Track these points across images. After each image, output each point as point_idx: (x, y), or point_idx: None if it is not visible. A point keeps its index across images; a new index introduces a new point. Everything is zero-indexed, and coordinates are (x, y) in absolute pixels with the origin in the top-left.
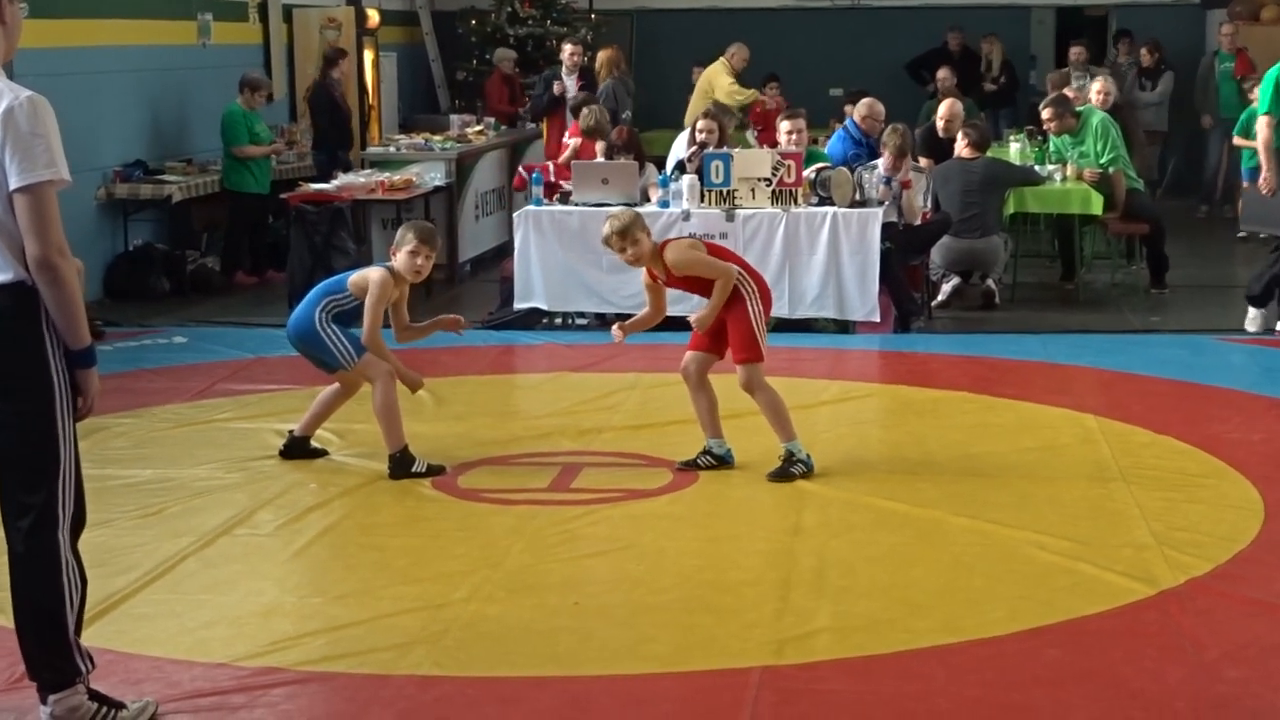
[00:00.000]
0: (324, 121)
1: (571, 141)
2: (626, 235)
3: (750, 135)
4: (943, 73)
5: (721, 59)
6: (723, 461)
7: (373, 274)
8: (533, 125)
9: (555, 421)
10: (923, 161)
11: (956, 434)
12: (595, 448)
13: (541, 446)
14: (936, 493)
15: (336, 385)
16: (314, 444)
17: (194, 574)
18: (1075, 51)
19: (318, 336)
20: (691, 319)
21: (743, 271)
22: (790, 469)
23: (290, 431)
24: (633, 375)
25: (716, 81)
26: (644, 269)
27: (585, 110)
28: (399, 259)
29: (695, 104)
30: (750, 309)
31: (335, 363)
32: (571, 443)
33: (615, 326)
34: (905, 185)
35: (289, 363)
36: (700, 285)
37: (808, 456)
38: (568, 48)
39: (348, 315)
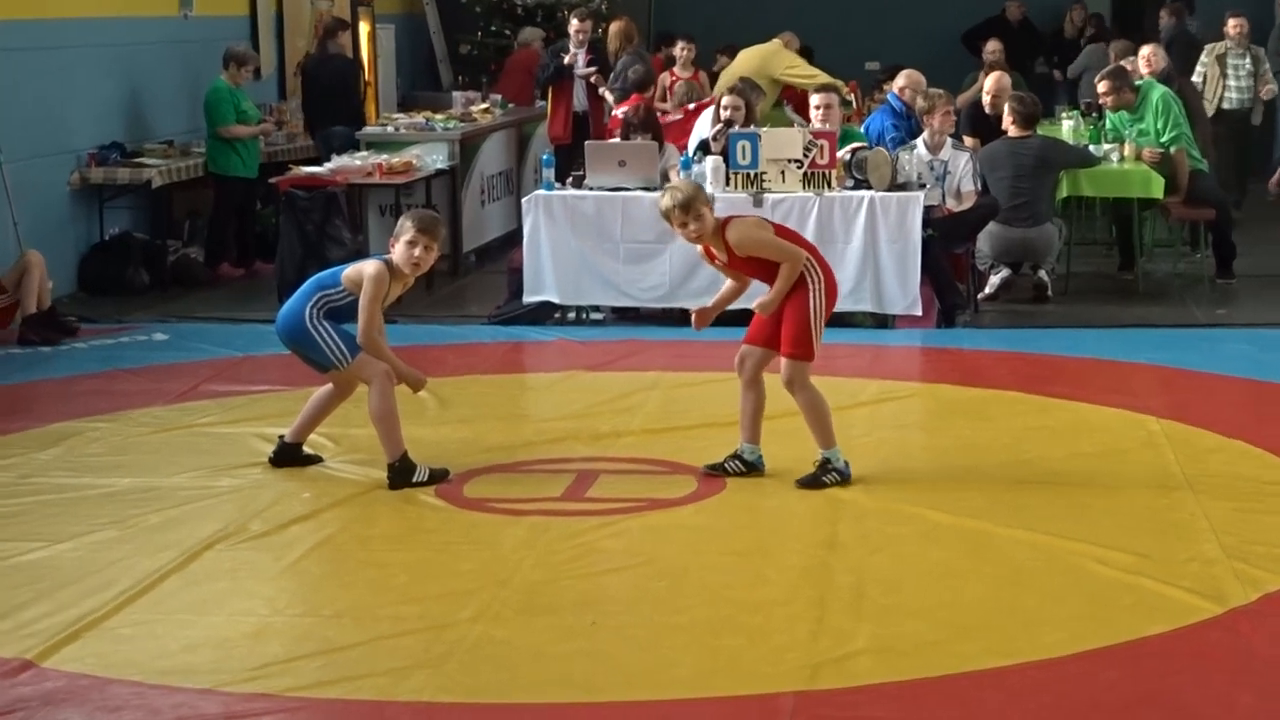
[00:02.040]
0: (337, 96)
1: (621, 112)
2: (689, 209)
3: (789, 111)
4: (992, 44)
5: (776, 40)
6: (752, 468)
7: (368, 267)
8: (541, 103)
9: (569, 425)
10: (967, 141)
11: (1006, 438)
12: (613, 453)
13: (554, 452)
14: (985, 502)
15: (330, 387)
16: (306, 450)
17: (176, 592)
18: (1235, 24)
19: (308, 334)
20: (754, 305)
21: (811, 258)
22: (823, 477)
23: (280, 437)
24: (654, 374)
25: (774, 62)
26: (701, 247)
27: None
28: (397, 250)
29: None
30: (811, 301)
31: (327, 362)
32: (587, 448)
33: (694, 313)
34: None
35: (279, 362)
36: (763, 269)
37: (845, 465)
38: (575, 22)
39: (342, 311)
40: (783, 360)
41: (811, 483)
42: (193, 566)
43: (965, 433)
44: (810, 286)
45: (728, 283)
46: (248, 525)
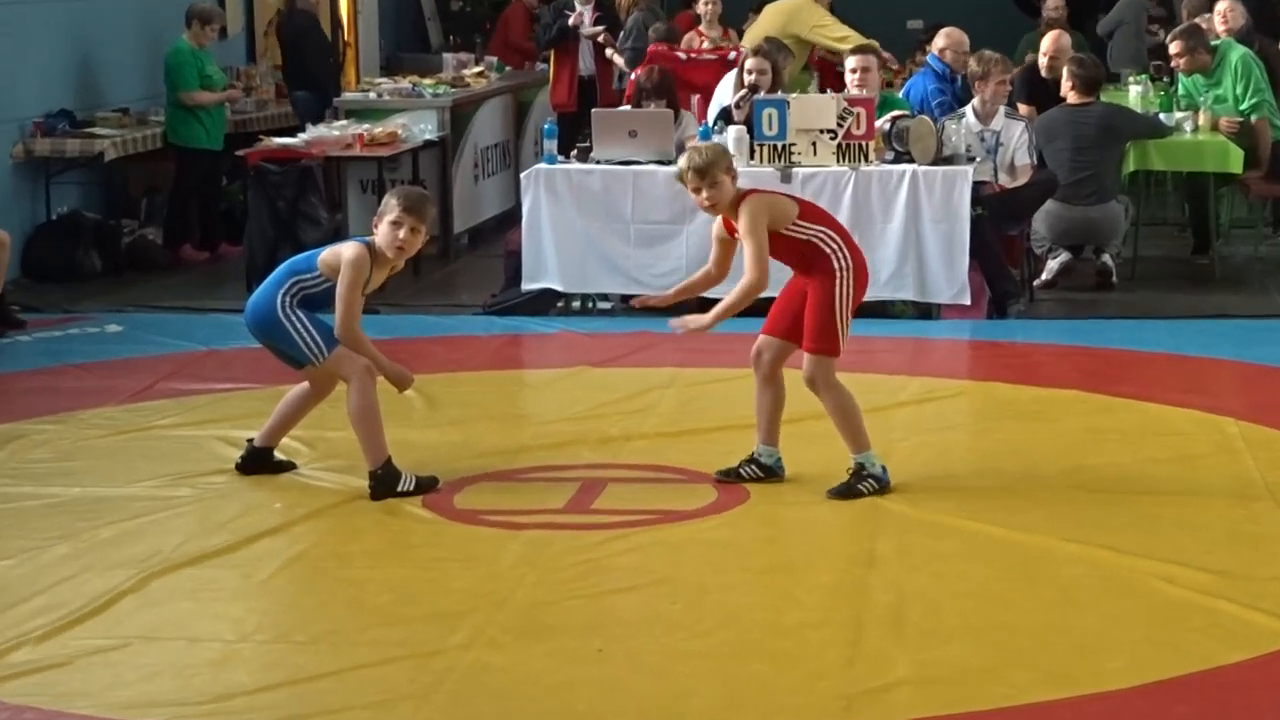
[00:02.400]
0: (310, 58)
1: (635, 75)
2: (706, 174)
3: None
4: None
5: None
6: (770, 474)
7: (346, 250)
8: (543, 65)
9: (573, 427)
10: (1022, 109)
11: (1065, 442)
12: (623, 459)
13: (556, 458)
14: (1041, 513)
15: (306, 385)
16: (278, 456)
17: (132, 614)
18: None
19: (280, 324)
20: (671, 322)
21: (839, 240)
22: (858, 485)
23: (249, 440)
24: (669, 371)
25: (800, 19)
26: (719, 219)
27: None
28: (379, 231)
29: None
30: (837, 289)
31: (301, 356)
32: (593, 453)
33: (644, 299)
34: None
35: (247, 356)
36: (790, 254)
37: (883, 470)
38: None
39: (318, 299)
40: (805, 356)
41: (846, 492)
42: (151, 586)
43: (1018, 436)
44: (836, 274)
45: (706, 265)
46: (212, 539)
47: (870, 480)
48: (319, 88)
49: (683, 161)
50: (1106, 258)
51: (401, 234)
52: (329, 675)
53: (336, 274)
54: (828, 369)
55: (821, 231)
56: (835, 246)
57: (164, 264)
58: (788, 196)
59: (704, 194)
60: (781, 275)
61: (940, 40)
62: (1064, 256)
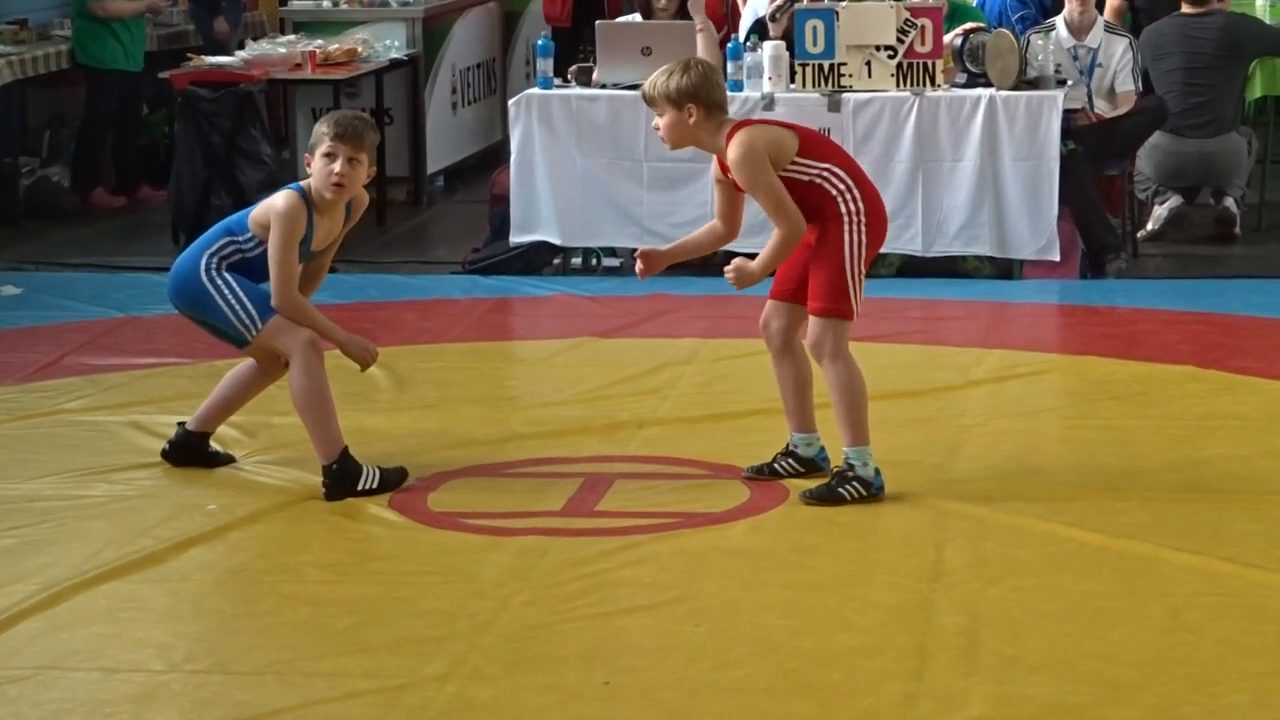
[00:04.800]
0: None
1: None
2: (654, 104)
3: None
4: None
5: None
6: (812, 467)
7: (277, 200)
8: None
9: (574, 411)
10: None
11: (1176, 429)
12: (633, 451)
13: (553, 449)
14: (1146, 516)
15: (250, 363)
16: (213, 446)
17: (36, 639)
18: None
19: (204, 292)
20: (726, 271)
21: (847, 178)
22: (840, 488)
23: (180, 424)
24: (690, 342)
25: None
26: (715, 159)
27: None
28: (312, 168)
29: None
30: (848, 238)
31: (231, 330)
32: (598, 443)
33: (640, 252)
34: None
35: (174, 324)
36: (798, 197)
37: (875, 474)
38: None
39: (254, 265)
40: (810, 319)
41: (825, 496)
42: (59, 607)
43: (1119, 421)
44: (845, 219)
45: (710, 223)
46: (132, 548)
47: (856, 484)
48: None
49: (646, 84)
50: (1229, 202)
51: (337, 166)
52: (277, 713)
53: (268, 231)
54: (838, 335)
55: (825, 169)
56: (842, 187)
57: (71, 211)
58: (783, 126)
59: (656, 123)
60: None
61: None
62: (1174, 202)
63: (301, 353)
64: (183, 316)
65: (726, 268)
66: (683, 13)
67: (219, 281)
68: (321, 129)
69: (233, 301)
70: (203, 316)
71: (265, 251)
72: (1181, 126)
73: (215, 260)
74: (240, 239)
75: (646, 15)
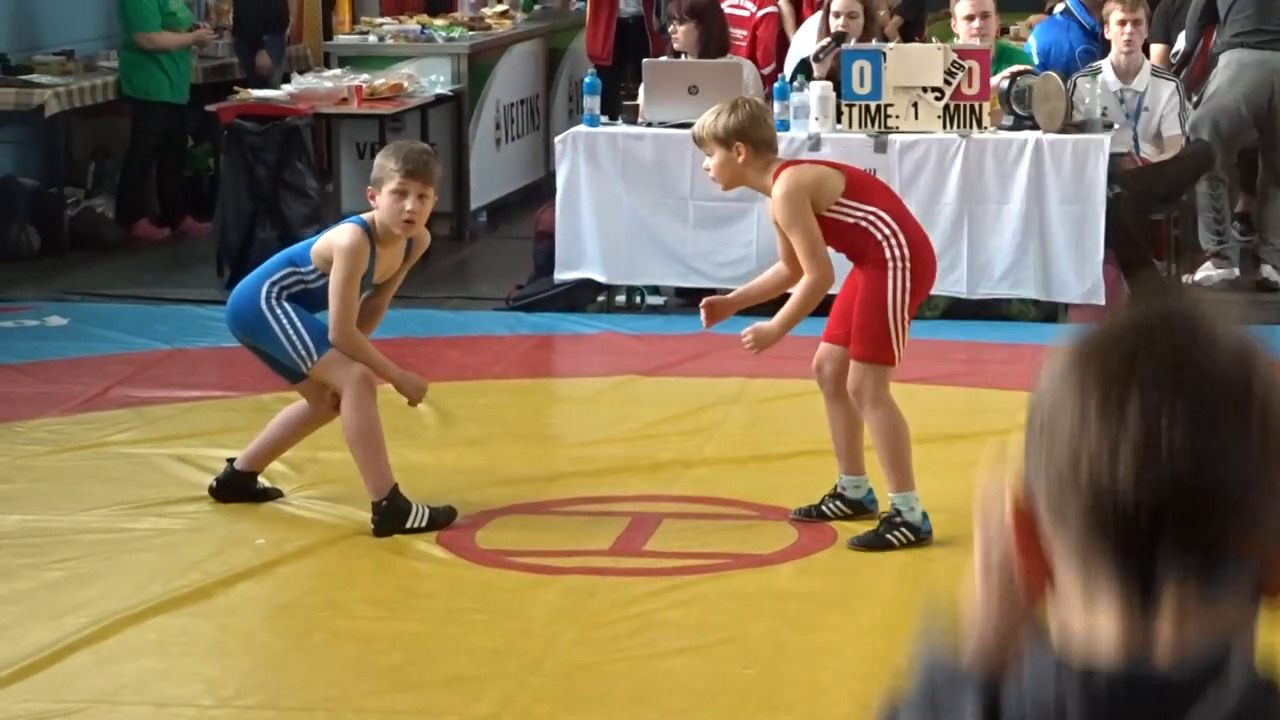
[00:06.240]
0: None
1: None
2: (702, 144)
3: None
4: None
5: None
6: (860, 509)
7: (340, 236)
8: (580, 4)
9: (619, 450)
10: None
11: None
12: (680, 490)
13: (599, 488)
14: None
15: (303, 403)
16: (262, 482)
17: (87, 672)
18: None
19: (263, 322)
20: (742, 336)
21: (892, 223)
22: (888, 535)
23: (229, 461)
24: (737, 381)
25: None
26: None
27: None
28: (379, 203)
29: None
30: (891, 284)
31: (287, 360)
32: (644, 482)
33: (704, 305)
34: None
35: (220, 357)
36: (836, 241)
37: (923, 518)
38: None
39: (315, 296)
40: (851, 364)
41: (872, 543)
42: (108, 640)
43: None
44: (890, 265)
45: (774, 266)
46: (180, 582)
47: (904, 529)
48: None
49: (695, 126)
50: (1267, 270)
51: (408, 204)
52: None
53: (330, 266)
54: (878, 380)
55: (872, 213)
56: (888, 232)
57: (115, 242)
58: (833, 166)
59: (705, 164)
60: (845, 266)
61: None
62: (1226, 271)
63: (355, 388)
64: (231, 348)
65: (743, 333)
66: (707, 49)
67: (278, 311)
68: (390, 165)
69: (290, 333)
70: (258, 345)
71: (327, 283)
72: (1263, 41)
73: (276, 290)
74: (303, 270)
75: (663, 36)
